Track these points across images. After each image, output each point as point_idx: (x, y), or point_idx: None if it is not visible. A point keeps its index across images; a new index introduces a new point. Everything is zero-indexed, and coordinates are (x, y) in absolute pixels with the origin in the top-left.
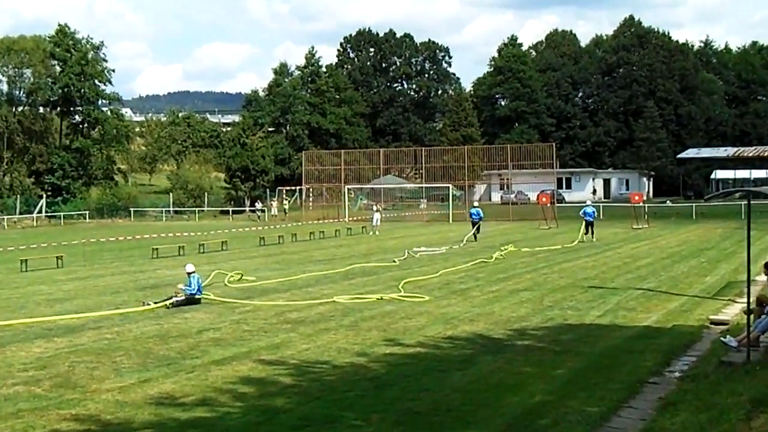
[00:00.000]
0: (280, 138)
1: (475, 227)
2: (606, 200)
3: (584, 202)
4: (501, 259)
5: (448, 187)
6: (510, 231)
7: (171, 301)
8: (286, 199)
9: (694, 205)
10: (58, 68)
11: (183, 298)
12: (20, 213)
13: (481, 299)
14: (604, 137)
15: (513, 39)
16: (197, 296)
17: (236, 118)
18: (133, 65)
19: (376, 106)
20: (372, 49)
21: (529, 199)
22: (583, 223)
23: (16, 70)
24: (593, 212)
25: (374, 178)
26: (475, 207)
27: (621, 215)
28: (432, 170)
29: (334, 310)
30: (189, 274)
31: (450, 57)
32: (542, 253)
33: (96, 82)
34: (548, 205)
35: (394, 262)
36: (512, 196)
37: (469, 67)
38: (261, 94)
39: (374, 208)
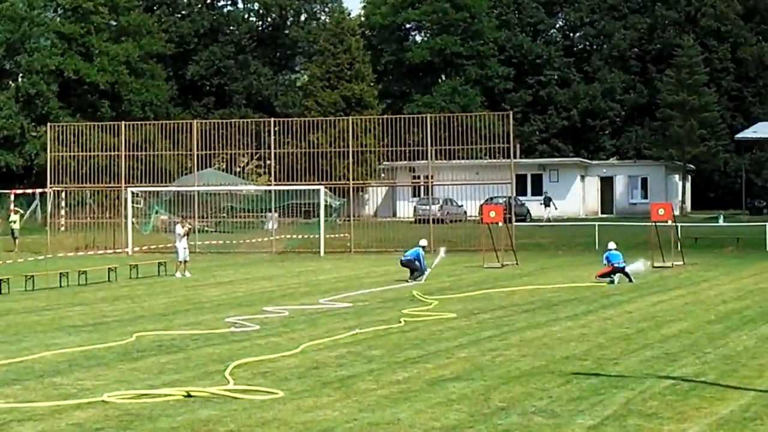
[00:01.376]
0: (6, 98)
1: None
2: (606, 215)
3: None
4: (413, 322)
5: (320, 190)
6: (435, 270)
7: None
8: (17, 212)
9: (767, 225)
10: None
11: None
12: None
13: (377, 396)
14: (604, 102)
15: None
16: None
17: None
18: None
19: (187, 43)
20: None
21: (465, 213)
22: (609, 270)
23: None
24: (619, 257)
25: (182, 174)
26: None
27: (633, 242)
28: (289, 160)
29: (105, 417)
30: None
31: None
32: (489, 311)
33: None
34: (499, 224)
35: (234, 327)
36: (436, 207)
37: None
38: None
39: (178, 229)
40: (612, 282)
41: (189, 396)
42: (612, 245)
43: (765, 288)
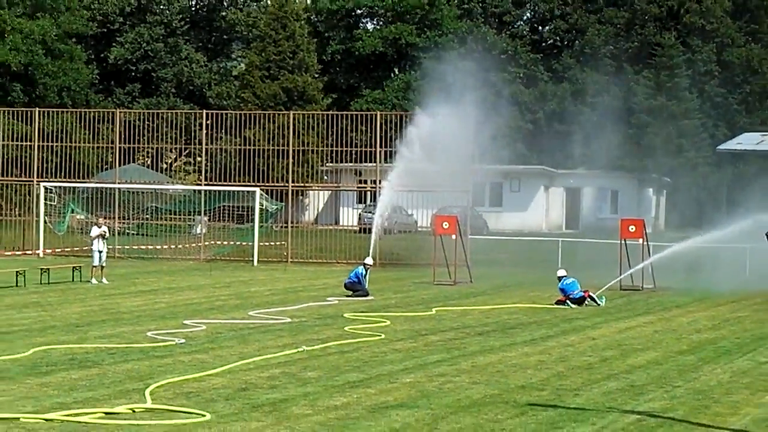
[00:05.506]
0: None
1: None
2: (570, 231)
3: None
4: (356, 342)
5: (255, 192)
6: (380, 286)
7: None
8: None
9: (748, 247)
10: None
11: None
12: None
13: (312, 423)
14: (573, 105)
15: None
16: None
17: None
18: None
19: (110, 22)
20: None
21: (416, 223)
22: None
23: None
24: (575, 285)
25: (102, 169)
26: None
27: (599, 261)
28: (222, 157)
29: None
30: None
31: None
32: (439, 332)
33: None
34: (453, 237)
35: (170, 340)
36: (384, 216)
37: None
38: None
39: (93, 231)
40: (568, 305)
41: (106, 415)
42: (562, 272)
43: (743, 317)
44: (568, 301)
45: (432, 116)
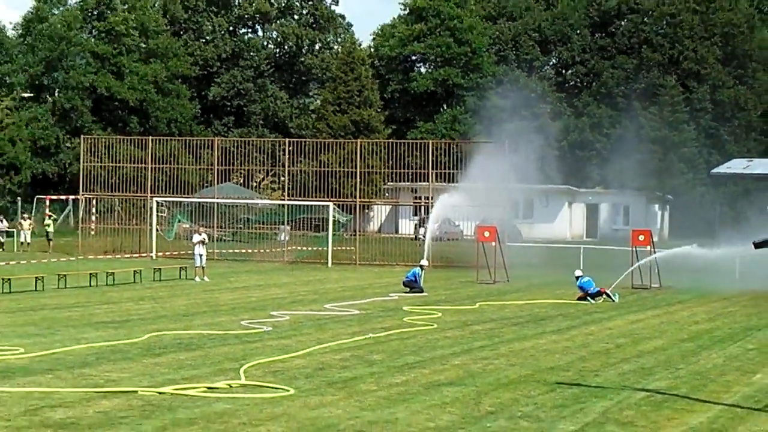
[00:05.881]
0: (43, 111)
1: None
2: (590, 239)
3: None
4: (413, 331)
5: (329, 206)
6: (432, 284)
7: None
8: (51, 217)
9: (738, 255)
10: None
11: None
12: None
13: (377, 397)
14: (592, 134)
15: None
16: None
17: None
18: None
19: (210, 66)
20: None
21: (462, 232)
22: (582, 294)
23: None
24: (590, 283)
25: (203, 186)
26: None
27: (614, 264)
28: (301, 177)
29: (129, 406)
30: None
31: None
32: (482, 323)
33: None
34: (493, 243)
35: (262, 328)
36: (435, 226)
37: (368, 6)
38: (10, 33)
39: (195, 237)
40: (589, 301)
41: (209, 390)
42: (578, 273)
43: (734, 311)
44: (588, 297)
45: (474, 145)
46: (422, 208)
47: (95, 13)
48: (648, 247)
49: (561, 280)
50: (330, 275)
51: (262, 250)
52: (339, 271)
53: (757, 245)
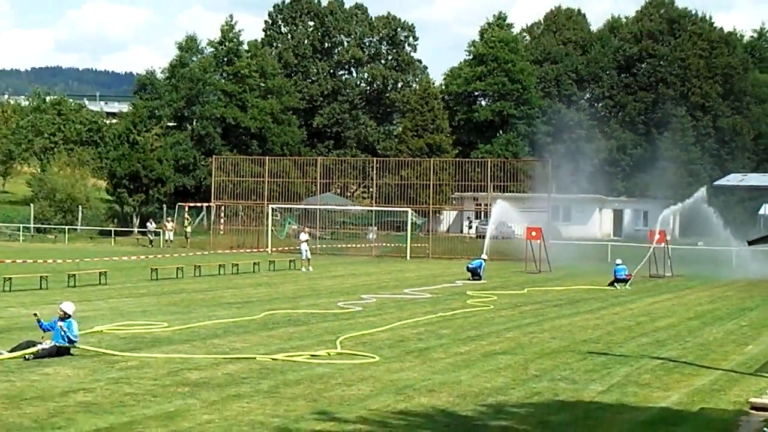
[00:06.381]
0: (184, 137)
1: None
2: (616, 238)
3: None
4: (474, 311)
5: (407, 211)
6: (489, 274)
7: (32, 350)
8: (189, 220)
9: (734, 249)
10: None
11: (49, 346)
12: None
13: (445, 363)
14: (618, 154)
15: (501, 18)
16: (67, 345)
17: (124, 107)
18: None
19: (314, 100)
20: (311, 23)
21: (514, 232)
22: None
23: None
24: (624, 270)
25: (308, 195)
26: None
27: (635, 259)
28: (386, 189)
29: (249, 370)
30: (64, 316)
31: (415, 38)
32: (528, 304)
33: None
34: (538, 241)
35: (353, 307)
36: (493, 228)
37: (440, 53)
38: (159, 76)
39: (301, 236)
40: (615, 287)
41: (313, 357)
42: (618, 261)
43: (730, 296)
44: (615, 283)
45: (523, 163)
46: (482, 213)
47: (225, 59)
48: (663, 245)
49: (593, 270)
50: (408, 266)
51: (354, 246)
52: (415, 263)
53: (751, 243)
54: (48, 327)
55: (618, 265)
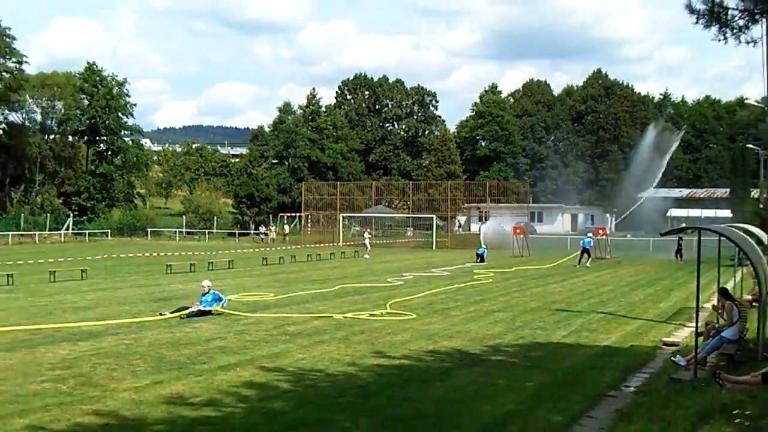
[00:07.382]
0: (283, 169)
1: (584, 254)
2: (573, 233)
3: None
4: (479, 283)
5: (432, 217)
6: (488, 258)
7: (186, 312)
8: (287, 225)
9: (651, 239)
10: (86, 101)
11: (196, 309)
12: (50, 230)
13: (460, 318)
14: (573, 177)
15: (494, 87)
16: (208, 309)
17: (244, 150)
18: (153, 100)
19: (369, 144)
20: (367, 92)
21: (505, 230)
22: (581, 250)
23: (49, 102)
24: (590, 242)
25: (366, 207)
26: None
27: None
28: (418, 202)
29: (328, 324)
30: (206, 289)
31: (437, 101)
32: (515, 278)
33: (119, 114)
34: (521, 236)
35: (391, 282)
36: (491, 228)
37: (453, 110)
38: (266, 129)
39: (365, 234)
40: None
41: (371, 316)
42: (589, 235)
43: (649, 270)
44: (583, 253)
45: (509, 184)
46: (483, 216)
47: (310, 117)
48: (605, 236)
49: (557, 255)
50: (434, 254)
51: (397, 241)
52: (439, 252)
53: (663, 234)
54: (205, 302)
55: (587, 237)
